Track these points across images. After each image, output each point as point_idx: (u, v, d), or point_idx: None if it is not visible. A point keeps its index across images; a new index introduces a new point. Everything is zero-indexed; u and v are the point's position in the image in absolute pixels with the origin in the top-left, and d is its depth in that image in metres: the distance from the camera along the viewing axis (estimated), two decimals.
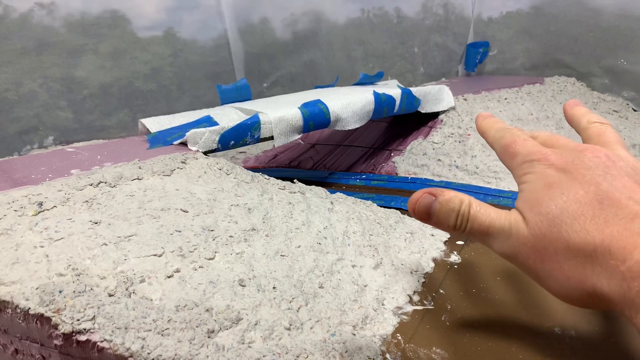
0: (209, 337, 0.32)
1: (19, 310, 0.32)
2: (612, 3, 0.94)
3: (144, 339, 0.30)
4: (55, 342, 0.31)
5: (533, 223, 0.28)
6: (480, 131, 0.37)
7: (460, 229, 0.31)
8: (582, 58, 1.01)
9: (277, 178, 0.57)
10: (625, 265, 0.23)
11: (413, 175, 0.74)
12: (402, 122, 0.85)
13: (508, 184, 0.67)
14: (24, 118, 0.78)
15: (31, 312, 0.31)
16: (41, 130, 0.80)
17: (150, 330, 0.31)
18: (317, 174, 0.80)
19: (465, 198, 0.31)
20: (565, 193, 0.27)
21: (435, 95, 0.80)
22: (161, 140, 0.58)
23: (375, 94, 0.70)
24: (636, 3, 0.91)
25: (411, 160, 0.76)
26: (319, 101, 0.64)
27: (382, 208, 0.57)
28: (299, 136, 0.64)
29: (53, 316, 0.31)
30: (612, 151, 0.30)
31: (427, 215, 0.32)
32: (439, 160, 0.74)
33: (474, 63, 1.13)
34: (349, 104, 0.67)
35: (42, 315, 0.31)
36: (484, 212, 0.30)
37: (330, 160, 0.84)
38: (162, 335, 0.31)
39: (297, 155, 0.87)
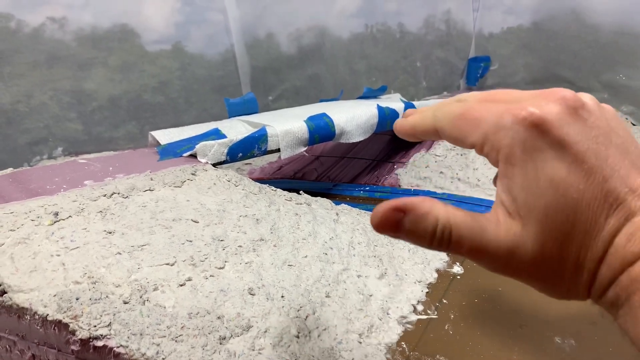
0: (220, 343, 0.33)
1: (37, 317, 0.33)
2: (610, 20, 0.96)
3: (158, 344, 0.32)
4: (73, 347, 0.33)
5: (541, 241, 0.23)
6: (409, 128, 0.28)
7: (440, 248, 0.24)
8: (582, 73, 1.03)
9: (282, 189, 0.59)
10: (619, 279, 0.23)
11: (416, 188, 0.75)
12: None
13: None
14: (34, 129, 0.80)
15: (49, 318, 0.33)
16: (51, 141, 0.82)
17: (165, 336, 0.32)
18: (321, 186, 0.81)
19: (442, 212, 0.24)
20: (576, 201, 0.22)
21: None
22: (171, 152, 0.59)
23: (379, 108, 0.71)
24: (634, 20, 0.92)
25: (414, 172, 0.77)
26: (324, 114, 0.66)
27: None
28: (305, 149, 0.65)
29: (71, 322, 0.32)
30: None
31: (394, 234, 0.24)
32: (441, 172, 0.75)
33: (476, 77, 1.15)
34: (353, 118, 0.68)
35: (60, 321, 0.32)
36: (474, 232, 0.24)
37: (334, 172, 0.85)
38: (176, 341, 0.32)
39: (301, 166, 0.89)
